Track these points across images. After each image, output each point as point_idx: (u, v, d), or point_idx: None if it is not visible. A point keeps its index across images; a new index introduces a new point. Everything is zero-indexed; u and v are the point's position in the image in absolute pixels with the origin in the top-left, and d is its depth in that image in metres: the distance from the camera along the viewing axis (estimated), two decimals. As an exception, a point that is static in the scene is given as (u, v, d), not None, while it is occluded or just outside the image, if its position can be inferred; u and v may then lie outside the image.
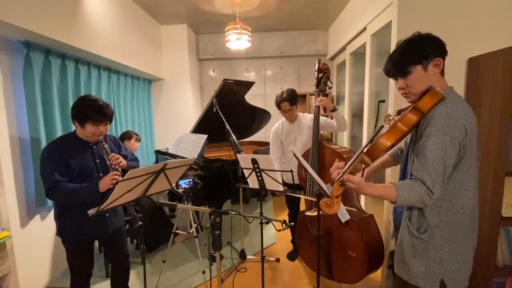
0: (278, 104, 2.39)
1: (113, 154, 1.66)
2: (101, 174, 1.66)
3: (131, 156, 1.91)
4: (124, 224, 2.59)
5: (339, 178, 1.07)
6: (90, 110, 1.56)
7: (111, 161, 1.63)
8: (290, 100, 2.34)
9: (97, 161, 1.68)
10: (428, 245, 1.11)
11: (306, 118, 2.46)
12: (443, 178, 1.03)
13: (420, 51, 1.08)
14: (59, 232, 1.68)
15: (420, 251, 1.13)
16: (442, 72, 1.13)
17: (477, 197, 1.14)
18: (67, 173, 1.58)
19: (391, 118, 1.08)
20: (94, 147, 1.69)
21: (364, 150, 1.07)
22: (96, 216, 1.64)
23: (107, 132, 1.73)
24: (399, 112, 1.21)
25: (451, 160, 1.03)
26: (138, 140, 3.06)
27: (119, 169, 1.65)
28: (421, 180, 1.04)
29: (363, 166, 1.10)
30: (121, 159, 1.69)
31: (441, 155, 1.01)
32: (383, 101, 1.21)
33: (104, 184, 1.57)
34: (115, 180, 1.57)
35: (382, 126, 1.08)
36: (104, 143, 1.64)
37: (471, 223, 1.12)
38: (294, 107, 2.39)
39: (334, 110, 2.23)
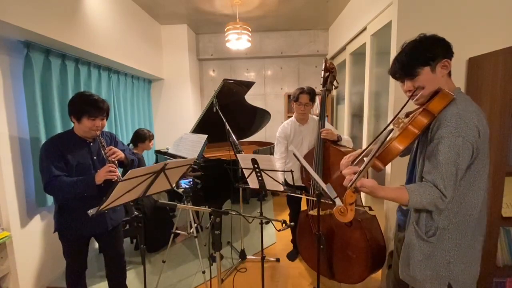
0: (297, 96, 2.32)
1: (110, 147, 1.71)
2: (98, 171, 1.69)
3: (128, 151, 1.95)
4: (124, 224, 2.61)
5: (352, 184, 1.03)
6: (85, 104, 1.62)
7: (107, 154, 1.67)
8: (311, 94, 2.31)
9: (94, 158, 1.73)
10: (437, 248, 1.09)
11: (316, 121, 2.42)
12: (455, 181, 1.01)
13: (427, 52, 1.07)
14: (58, 229, 1.71)
15: (428, 255, 1.10)
16: (449, 74, 1.11)
17: (486, 199, 1.11)
18: (65, 169, 1.63)
19: (400, 120, 1.06)
20: (91, 144, 1.74)
21: (376, 155, 1.03)
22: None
23: (104, 129, 1.77)
24: (407, 115, 1.16)
25: (464, 162, 1.00)
26: (152, 138, 3.00)
27: (116, 162, 1.69)
28: (433, 183, 1.02)
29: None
30: (118, 151, 1.73)
31: (454, 157, 0.99)
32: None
33: (99, 176, 1.60)
34: (111, 172, 1.60)
35: (392, 130, 1.05)
36: (100, 137, 1.69)
37: (478, 224, 1.10)
38: (311, 104, 2.35)
39: (337, 141, 2.16)
